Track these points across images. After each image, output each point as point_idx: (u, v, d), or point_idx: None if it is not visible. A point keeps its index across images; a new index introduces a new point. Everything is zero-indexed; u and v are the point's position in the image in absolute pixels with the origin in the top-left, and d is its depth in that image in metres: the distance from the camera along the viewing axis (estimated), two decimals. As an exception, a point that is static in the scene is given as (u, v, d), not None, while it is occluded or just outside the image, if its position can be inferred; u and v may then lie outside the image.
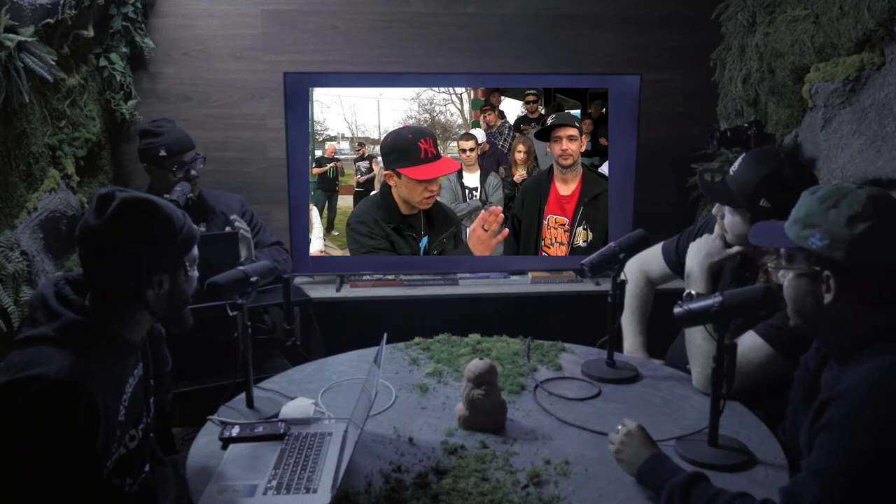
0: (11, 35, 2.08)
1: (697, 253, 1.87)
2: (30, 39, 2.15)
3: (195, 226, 1.50)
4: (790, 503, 1.19)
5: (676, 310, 1.53)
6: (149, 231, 1.36)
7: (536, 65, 3.18)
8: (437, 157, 2.59)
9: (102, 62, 2.88)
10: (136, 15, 2.91)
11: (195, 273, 1.48)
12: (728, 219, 1.83)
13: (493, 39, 3.17)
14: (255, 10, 3.07)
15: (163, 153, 2.47)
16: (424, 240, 2.90)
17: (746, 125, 2.63)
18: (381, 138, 2.96)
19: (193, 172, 2.51)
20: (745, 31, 2.90)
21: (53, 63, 2.28)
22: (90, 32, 2.68)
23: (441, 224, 2.89)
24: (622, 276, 1.86)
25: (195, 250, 1.47)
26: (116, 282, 1.37)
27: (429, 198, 2.69)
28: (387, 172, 2.62)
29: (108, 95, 2.93)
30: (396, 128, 2.90)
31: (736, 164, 1.80)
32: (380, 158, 2.96)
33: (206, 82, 3.11)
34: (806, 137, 2.59)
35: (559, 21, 3.17)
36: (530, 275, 3.07)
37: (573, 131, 2.95)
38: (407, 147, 2.55)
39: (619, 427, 1.47)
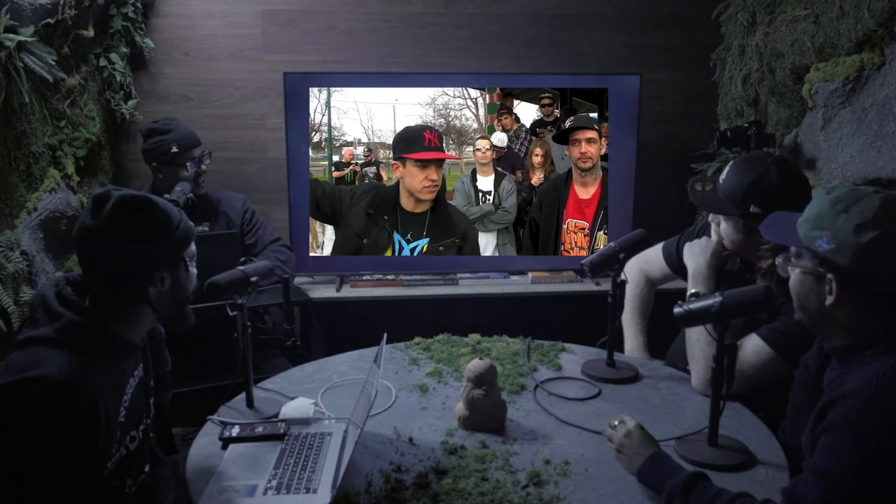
0: (11, 35, 2.08)
1: (703, 253, 1.87)
2: (30, 39, 2.15)
3: (195, 224, 1.50)
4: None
5: (676, 310, 1.53)
6: (147, 228, 1.36)
7: (536, 65, 3.18)
8: (440, 148, 2.80)
9: (102, 62, 2.88)
10: (136, 15, 2.91)
11: (194, 270, 1.48)
12: (723, 226, 1.84)
13: (493, 39, 3.17)
14: (255, 10, 3.07)
15: (175, 149, 2.48)
16: (424, 241, 2.91)
17: (746, 125, 2.63)
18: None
19: (204, 167, 2.54)
20: (745, 31, 2.90)
21: (53, 63, 2.28)
22: (90, 32, 2.68)
23: (442, 230, 2.92)
24: (622, 276, 1.86)
25: (193, 246, 1.47)
26: (118, 281, 1.37)
27: (429, 187, 2.80)
28: (394, 163, 2.79)
29: (108, 95, 2.93)
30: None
31: (724, 172, 1.80)
32: (386, 163, 2.98)
33: (206, 82, 3.11)
34: (806, 137, 2.59)
35: (559, 21, 3.17)
36: (530, 275, 3.07)
37: (592, 133, 2.94)
38: (413, 135, 2.78)
39: (616, 422, 1.47)
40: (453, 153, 3.01)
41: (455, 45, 3.16)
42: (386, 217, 2.89)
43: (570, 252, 3.05)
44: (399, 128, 2.97)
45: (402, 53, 3.14)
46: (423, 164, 2.78)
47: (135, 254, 1.35)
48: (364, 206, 2.89)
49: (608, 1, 3.17)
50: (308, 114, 2.89)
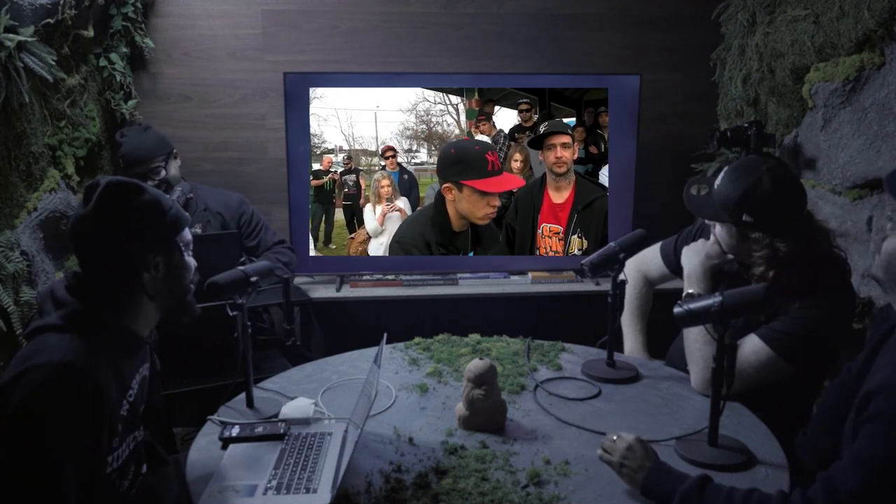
0: (11, 35, 2.08)
1: (697, 254, 1.88)
2: (30, 39, 2.15)
3: (191, 227, 1.50)
4: (829, 490, 1.18)
5: (676, 310, 1.53)
6: (135, 211, 1.36)
7: (536, 65, 3.18)
8: (502, 171, 2.49)
9: (102, 62, 2.88)
10: (136, 15, 2.91)
11: (191, 259, 1.48)
12: (718, 230, 1.84)
13: (492, 39, 3.17)
14: (255, 10, 3.07)
15: (122, 164, 2.53)
16: (470, 255, 2.87)
17: (746, 125, 2.63)
18: (378, 148, 2.97)
19: (156, 179, 2.55)
20: (745, 31, 2.90)
21: (53, 63, 2.28)
22: (90, 32, 2.68)
23: (488, 241, 2.83)
24: (622, 276, 1.86)
25: (188, 234, 1.47)
26: (111, 266, 1.37)
27: (490, 213, 2.53)
28: (446, 185, 2.44)
29: (108, 95, 2.93)
30: (459, 140, 2.93)
31: (719, 179, 1.80)
32: (378, 173, 2.96)
33: (206, 82, 3.11)
34: (806, 137, 2.59)
35: (559, 21, 3.17)
36: (530, 275, 3.07)
37: (566, 139, 2.94)
38: (474, 159, 2.41)
39: (615, 437, 1.43)
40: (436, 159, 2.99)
41: (455, 45, 3.16)
42: (451, 247, 2.68)
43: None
44: (381, 134, 2.95)
45: (402, 53, 3.15)
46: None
47: (125, 238, 1.36)
48: (437, 247, 2.64)
49: (608, 1, 3.17)
50: (308, 114, 2.89)
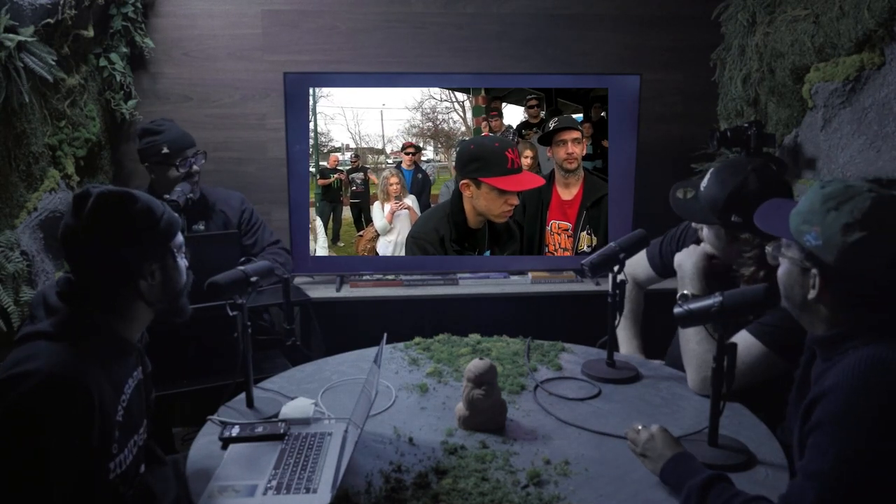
0: (11, 35, 2.08)
1: (689, 255, 1.88)
2: (30, 39, 2.15)
3: (191, 224, 1.50)
4: None
5: (676, 310, 1.53)
6: (130, 222, 1.36)
7: (536, 65, 3.18)
8: (521, 169, 2.42)
9: (102, 62, 2.88)
10: (136, 15, 2.91)
11: (184, 261, 1.48)
12: (706, 232, 1.84)
13: (493, 39, 3.17)
14: (255, 10, 3.07)
15: (165, 150, 2.49)
16: (486, 254, 2.85)
17: (746, 125, 2.63)
18: (384, 147, 2.97)
19: (196, 168, 2.55)
20: (745, 31, 2.90)
21: (53, 63, 2.28)
22: (90, 32, 2.68)
23: (505, 240, 2.81)
24: (622, 276, 1.86)
25: (180, 237, 1.46)
26: (108, 278, 1.36)
27: (508, 211, 2.48)
28: (464, 182, 2.39)
29: (108, 95, 2.93)
30: (478, 137, 2.91)
31: (705, 181, 1.80)
32: (387, 170, 2.96)
33: (206, 82, 3.11)
34: (806, 137, 2.59)
35: (559, 21, 3.17)
36: (530, 275, 3.07)
37: (577, 134, 2.94)
38: (493, 156, 2.34)
39: (639, 428, 1.47)
40: (442, 157, 2.99)
41: (455, 45, 3.16)
42: (466, 244, 2.62)
43: (553, 253, 3.05)
44: (388, 132, 2.94)
45: (402, 53, 3.14)
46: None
47: (120, 249, 1.35)
48: (451, 244, 2.58)
49: (608, 1, 3.17)
50: (308, 114, 2.89)
